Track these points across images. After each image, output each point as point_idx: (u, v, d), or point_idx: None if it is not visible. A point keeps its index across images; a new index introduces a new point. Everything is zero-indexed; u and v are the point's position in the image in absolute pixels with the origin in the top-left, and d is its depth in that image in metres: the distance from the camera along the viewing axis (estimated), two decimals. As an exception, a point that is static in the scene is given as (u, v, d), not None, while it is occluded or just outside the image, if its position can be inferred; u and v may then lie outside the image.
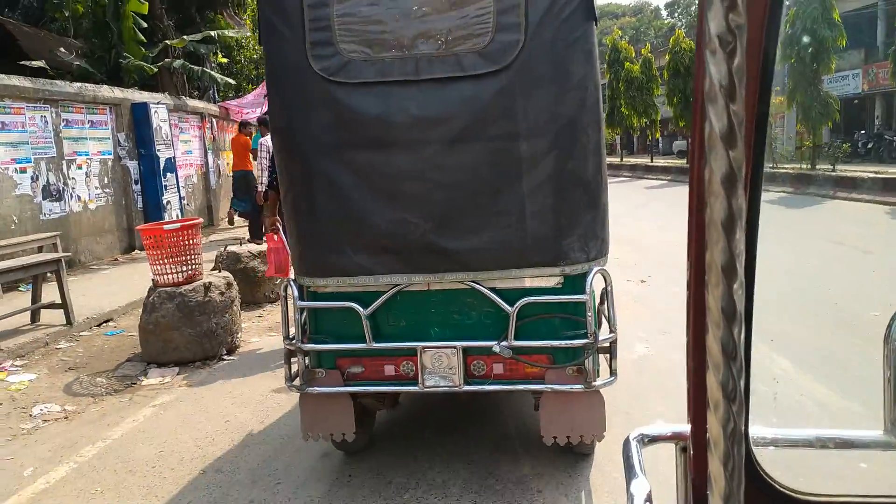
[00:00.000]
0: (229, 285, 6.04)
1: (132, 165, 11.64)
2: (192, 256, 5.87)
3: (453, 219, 3.10)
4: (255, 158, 11.20)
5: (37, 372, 5.64)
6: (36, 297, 6.63)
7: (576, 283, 3.14)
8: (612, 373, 3.22)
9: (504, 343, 3.12)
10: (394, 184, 3.13)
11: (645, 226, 11.79)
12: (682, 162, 26.09)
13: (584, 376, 3.14)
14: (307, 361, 3.36)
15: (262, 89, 16.33)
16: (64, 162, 9.91)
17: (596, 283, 3.19)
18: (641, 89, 26.54)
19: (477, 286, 3.18)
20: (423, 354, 3.22)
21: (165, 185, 12.05)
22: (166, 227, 5.73)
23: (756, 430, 0.97)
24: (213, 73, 14.69)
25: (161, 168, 11.94)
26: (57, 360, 5.92)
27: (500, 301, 3.14)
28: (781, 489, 0.97)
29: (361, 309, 3.21)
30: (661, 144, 37.57)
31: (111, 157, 11.17)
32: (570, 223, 3.10)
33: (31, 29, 16.32)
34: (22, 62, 13.44)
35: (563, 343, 3.14)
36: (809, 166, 17.19)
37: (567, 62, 3.02)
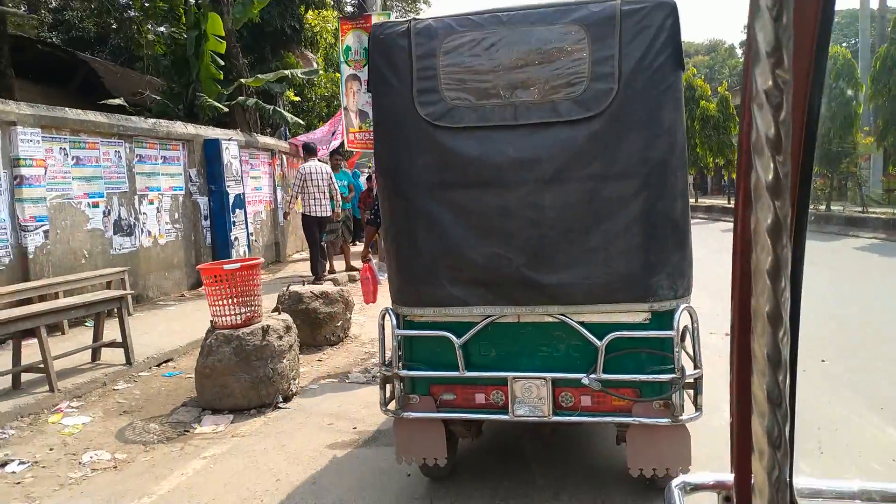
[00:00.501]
0: (288, 329, 5.80)
1: (202, 201, 11.73)
2: (252, 297, 5.67)
3: (545, 254, 3.26)
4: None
5: (92, 414, 5.49)
6: (97, 336, 6.56)
7: (663, 320, 3.25)
8: (698, 408, 3.27)
9: (593, 375, 3.23)
10: (490, 221, 3.31)
11: (725, 272, 11.04)
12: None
13: (671, 410, 3.21)
14: (402, 387, 3.56)
15: (329, 126, 16.42)
16: (136, 197, 10.03)
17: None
18: (718, 128, 25.68)
19: (566, 319, 3.32)
20: (514, 384, 3.35)
21: (234, 222, 12.10)
22: (226, 266, 5.56)
23: (801, 480, 0.95)
24: (283, 111, 14.82)
25: (230, 204, 12.01)
26: (113, 403, 5.78)
27: (589, 335, 3.26)
28: None
29: (455, 338, 3.38)
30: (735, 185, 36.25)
31: (182, 192, 11.28)
32: (659, 261, 3.22)
33: (116, 67, 16.96)
34: (103, 101, 13.91)
35: (650, 377, 3.24)
36: (903, 210, 16.10)
37: (658, 109, 3.19)
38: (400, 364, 3.53)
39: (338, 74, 16.66)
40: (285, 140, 17.02)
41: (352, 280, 12.41)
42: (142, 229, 10.14)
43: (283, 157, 15.82)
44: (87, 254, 9.00)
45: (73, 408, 5.62)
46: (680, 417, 3.21)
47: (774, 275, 0.57)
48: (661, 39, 3.13)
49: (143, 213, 10.20)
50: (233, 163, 12.25)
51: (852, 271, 11.56)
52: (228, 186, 12.00)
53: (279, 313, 6.05)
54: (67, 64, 15.61)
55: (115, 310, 6.45)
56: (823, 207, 19.42)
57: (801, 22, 0.58)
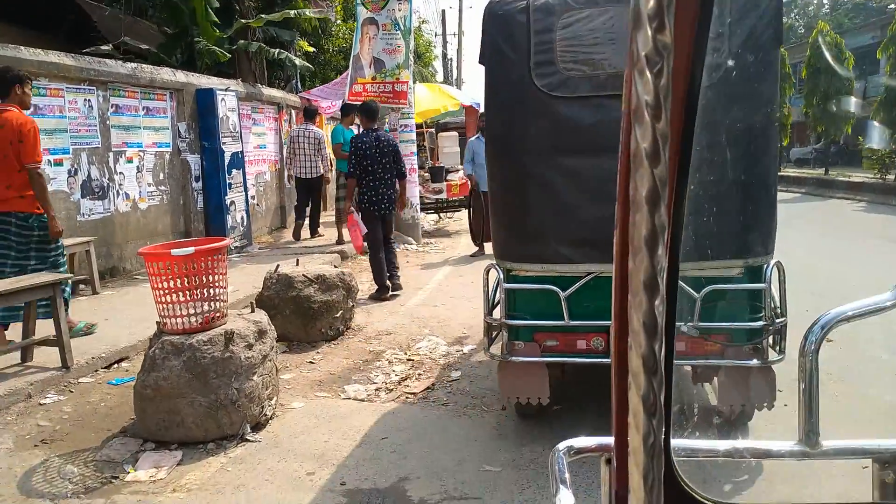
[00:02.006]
0: (261, 334, 4.35)
1: (193, 160, 10.27)
2: (213, 291, 4.23)
3: None
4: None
5: (-2, 444, 4.12)
6: (27, 331, 5.15)
7: (755, 273, 3.57)
8: (782, 351, 3.52)
9: (691, 324, 3.45)
10: (600, 184, 3.40)
11: (806, 254, 9.10)
12: (817, 172, 22.78)
13: (761, 353, 3.49)
14: (506, 335, 3.82)
15: (341, 79, 14.79)
16: (111, 154, 8.58)
17: None
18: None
19: None
20: None
21: (230, 183, 10.62)
22: (175, 252, 4.09)
23: (677, 442, 0.97)
24: (291, 56, 13.19)
25: (226, 164, 10.52)
26: (32, 426, 4.39)
27: (687, 287, 3.42)
28: (702, 500, 0.98)
29: (560, 291, 3.60)
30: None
31: (169, 149, 9.82)
32: (754, 221, 3.54)
33: (110, 9, 15.38)
34: (90, 48, 12.40)
35: (745, 324, 3.57)
36: None
37: (760, 82, 3.53)
38: (506, 313, 3.84)
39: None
40: (296, 93, 15.44)
41: (363, 252, 10.97)
42: (118, 192, 8.71)
43: (293, 111, 14.29)
44: (48, 220, 7.60)
45: (-24, 433, 4.25)
46: (768, 359, 3.48)
47: (651, 242, 0.57)
48: (766, 19, 3.40)
49: (120, 173, 8.76)
50: (230, 116, 10.74)
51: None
52: (224, 143, 10.50)
53: (252, 310, 4.59)
54: (55, 6, 14.07)
55: (49, 299, 5.04)
56: (893, 177, 17.48)
57: None
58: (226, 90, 10.72)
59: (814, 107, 20.10)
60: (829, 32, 19.60)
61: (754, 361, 3.51)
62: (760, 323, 3.51)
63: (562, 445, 1.06)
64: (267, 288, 6.10)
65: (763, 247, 3.55)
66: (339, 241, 10.99)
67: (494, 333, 3.94)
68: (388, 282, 7.77)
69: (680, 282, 3.14)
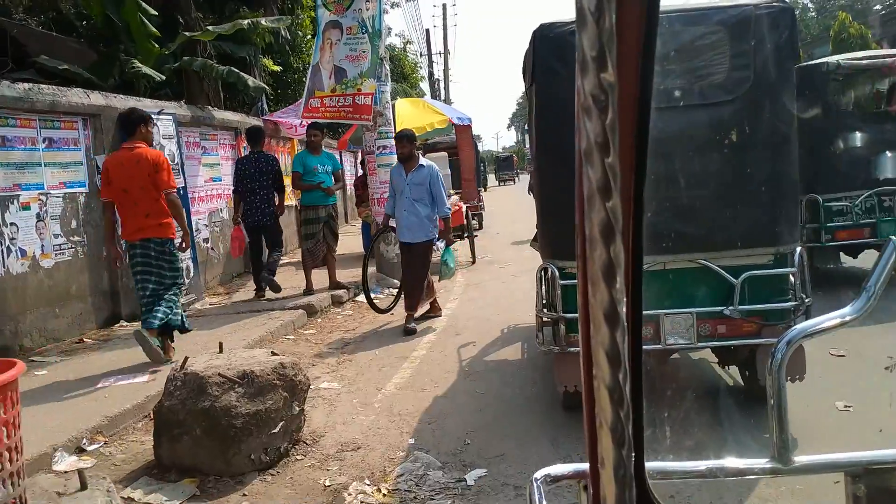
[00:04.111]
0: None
1: (119, 201, 8.26)
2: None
3: (693, 211, 3.92)
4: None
5: None
6: None
7: (784, 260, 4.04)
8: None
9: (732, 308, 3.92)
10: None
11: None
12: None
13: None
14: (564, 329, 4.14)
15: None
16: (-6, 200, 6.59)
17: None
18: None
19: (707, 263, 3.98)
20: (665, 319, 3.97)
21: (169, 227, 8.62)
22: None
23: (652, 465, 0.94)
24: (242, 74, 11.18)
25: (163, 203, 8.53)
26: None
27: (727, 275, 3.94)
28: None
29: None
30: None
31: (84, 189, 7.78)
32: (783, 213, 4.01)
33: (23, 26, 13.43)
34: (13, 73, 10.45)
35: (778, 305, 3.98)
36: None
37: (781, 91, 3.93)
38: (563, 308, 4.11)
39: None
40: (260, 116, 13.48)
41: (336, 303, 8.96)
42: (8, 248, 6.67)
43: (254, 137, 12.30)
44: None
45: None
46: None
47: (609, 275, 0.57)
48: (785, 36, 3.87)
49: (11, 224, 6.73)
50: (166, 145, 8.74)
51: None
52: (160, 179, 8.50)
53: (83, 485, 2.55)
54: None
55: None
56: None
57: (625, 26, 0.57)
58: (158, 113, 8.73)
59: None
60: (852, 24, 17.60)
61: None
62: (791, 303, 3.95)
63: (539, 474, 1.04)
64: (168, 395, 4.07)
65: (790, 236, 4.03)
66: (308, 291, 8.99)
67: (546, 329, 4.23)
68: (261, 284, 8.84)
69: (721, 270, 4.12)
